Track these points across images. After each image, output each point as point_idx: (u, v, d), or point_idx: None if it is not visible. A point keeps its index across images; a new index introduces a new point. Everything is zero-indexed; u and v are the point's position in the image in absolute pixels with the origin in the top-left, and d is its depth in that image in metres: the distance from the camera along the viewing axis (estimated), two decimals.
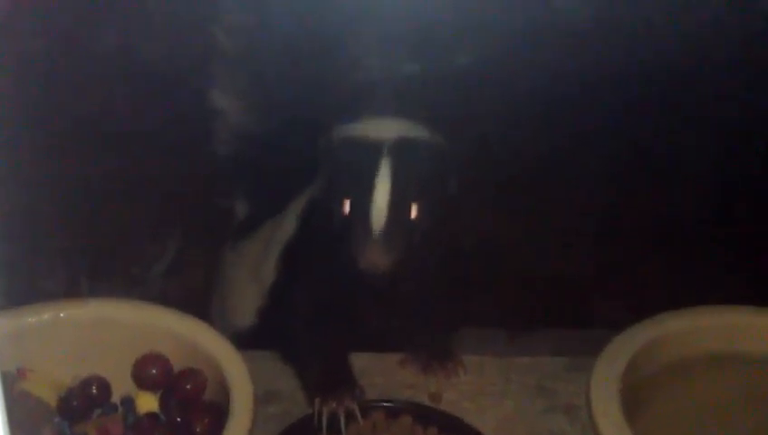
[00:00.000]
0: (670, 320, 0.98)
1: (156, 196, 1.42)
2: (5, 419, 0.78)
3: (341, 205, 0.92)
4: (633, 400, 0.90)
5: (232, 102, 1.27)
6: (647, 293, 1.22)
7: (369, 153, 0.92)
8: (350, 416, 0.93)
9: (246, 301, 1.15)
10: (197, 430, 0.90)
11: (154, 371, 0.97)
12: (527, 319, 1.33)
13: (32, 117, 1.17)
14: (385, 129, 0.95)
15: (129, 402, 0.98)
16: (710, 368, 0.99)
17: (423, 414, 0.94)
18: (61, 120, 1.28)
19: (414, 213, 0.91)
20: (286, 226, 1.12)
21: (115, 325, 0.99)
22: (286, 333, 1.07)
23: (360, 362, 1.07)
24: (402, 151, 0.92)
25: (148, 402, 0.97)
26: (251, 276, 1.16)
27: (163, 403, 0.96)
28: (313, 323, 1.03)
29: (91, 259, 1.38)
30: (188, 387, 0.95)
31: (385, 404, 0.94)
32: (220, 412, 0.90)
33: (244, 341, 1.06)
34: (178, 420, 0.93)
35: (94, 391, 0.98)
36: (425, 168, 0.93)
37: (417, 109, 1.06)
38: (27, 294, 1.03)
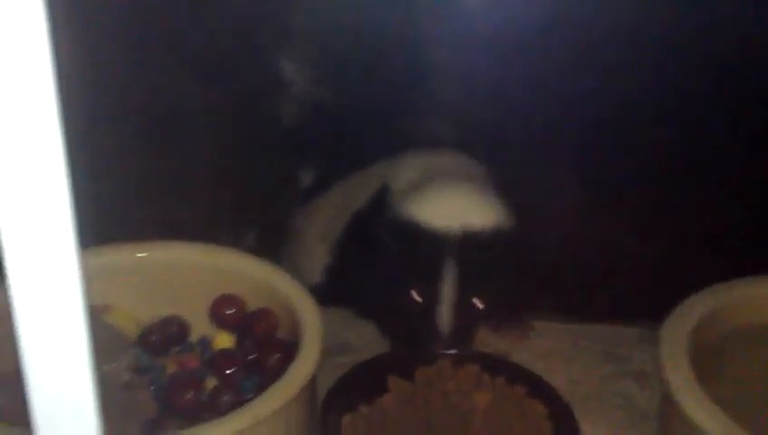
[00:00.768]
0: (741, 286, 0.96)
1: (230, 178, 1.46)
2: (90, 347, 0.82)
3: (408, 292, 0.96)
4: (702, 363, 0.89)
5: (303, 73, 1.31)
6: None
7: (435, 246, 0.94)
8: (418, 360, 0.93)
9: (315, 259, 1.17)
10: (268, 364, 0.92)
11: (230, 311, 1.00)
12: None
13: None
14: (451, 213, 0.96)
15: (205, 342, 1.01)
16: None
17: (491, 364, 0.94)
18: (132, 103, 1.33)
19: (480, 304, 0.96)
20: (357, 197, 1.14)
21: (195, 267, 1.02)
22: (362, 289, 1.09)
23: None
24: (468, 246, 0.94)
25: (224, 341, 1.00)
26: (320, 236, 1.19)
27: (238, 342, 0.99)
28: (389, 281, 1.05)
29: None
30: (262, 326, 0.97)
31: (453, 352, 0.95)
32: (291, 350, 0.92)
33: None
34: (252, 356, 0.95)
35: (174, 329, 1.01)
36: (490, 262, 0.96)
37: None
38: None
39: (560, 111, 1.30)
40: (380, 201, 1.07)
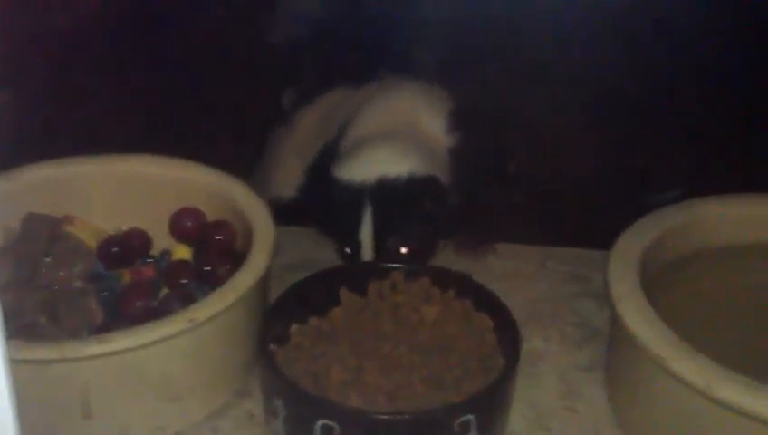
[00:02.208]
0: (693, 207, 0.95)
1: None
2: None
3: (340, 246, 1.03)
4: (655, 280, 0.88)
5: None
6: None
7: (353, 198, 1.01)
8: (372, 274, 0.94)
9: (289, 173, 1.18)
10: (219, 272, 0.93)
11: (189, 223, 1.01)
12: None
13: None
14: (371, 165, 1.02)
15: (165, 254, 1.02)
16: (736, 257, 0.96)
17: (442, 278, 0.94)
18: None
19: (404, 250, 1.01)
20: (329, 125, 1.15)
21: (154, 180, 1.03)
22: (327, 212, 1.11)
23: None
24: (383, 194, 1.00)
25: (183, 253, 1.01)
26: (294, 151, 1.19)
27: (196, 253, 1.00)
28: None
29: None
30: (219, 238, 0.98)
31: (406, 266, 0.95)
32: (241, 258, 0.92)
33: (286, 216, 1.09)
34: (207, 268, 0.96)
35: (135, 242, 1.02)
36: (406, 209, 1.01)
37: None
38: None
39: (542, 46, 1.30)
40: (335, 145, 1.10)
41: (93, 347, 0.77)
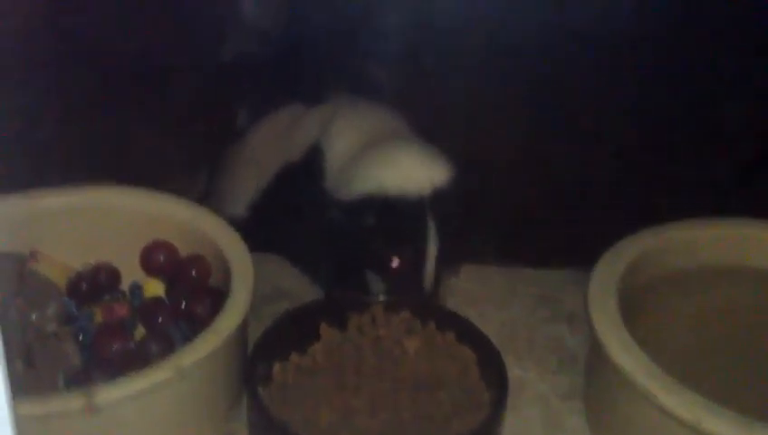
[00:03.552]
0: (669, 230, 0.97)
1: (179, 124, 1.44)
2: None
3: (388, 259, 0.97)
4: (631, 306, 0.90)
5: (257, 11, 1.29)
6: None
7: (413, 212, 0.96)
8: (351, 307, 0.93)
9: (241, 191, 1.16)
10: (198, 311, 0.91)
11: (161, 257, 0.99)
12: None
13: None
14: (418, 176, 0.97)
15: (136, 289, 1.00)
16: (709, 280, 0.98)
17: (423, 310, 0.94)
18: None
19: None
20: (293, 148, 1.13)
21: (124, 213, 1.01)
22: (290, 237, 1.09)
23: None
24: (440, 206, 0.96)
25: (155, 289, 0.99)
26: (246, 167, 1.18)
27: (169, 290, 0.98)
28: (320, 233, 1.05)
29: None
30: (193, 273, 0.96)
31: (386, 299, 0.95)
32: (221, 298, 0.91)
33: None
34: (183, 304, 0.94)
35: (103, 276, 1.00)
36: (458, 214, 0.98)
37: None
38: None
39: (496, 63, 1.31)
40: (313, 165, 1.07)
41: (78, 401, 0.75)
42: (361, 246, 1.00)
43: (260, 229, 1.12)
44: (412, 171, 0.98)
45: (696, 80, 1.32)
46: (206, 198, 1.29)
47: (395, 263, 0.97)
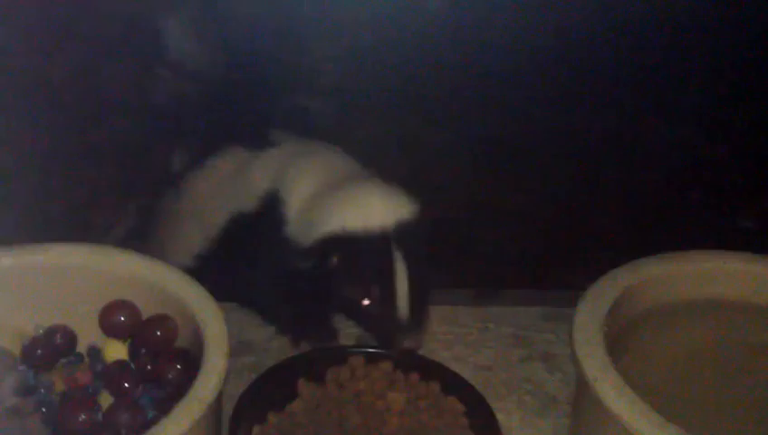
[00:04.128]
0: (648, 266, 0.96)
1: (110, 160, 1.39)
2: None
3: (358, 298, 0.96)
4: (614, 344, 0.88)
5: (188, 51, 1.25)
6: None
7: (377, 248, 0.95)
8: (329, 360, 0.90)
9: (186, 241, 1.13)
10: (169, 377, 0.86)
11: (122, 317, 0.93)
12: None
13: None
14: (380, 212, 0.96)
15: (95, 352, 0.94)
16: (688, 313, 0.97)
17: (404, 360, 0.91)
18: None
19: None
20: (243, 196, 1.09)
21: (78, 271, 0.95)
22: (250, 286, 1.06)
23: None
24: (405, 236, 0.95)
25: (116, 351, 0.93)
26: (193, 218, 1.14)
27: (132, 351, 0.92)
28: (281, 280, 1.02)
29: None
30: (158, 334, 0.91)
31: (365, 350, 0.91)
32: (191, 359, 0.86)
33: None
34: (149, 367, 0.89)
35: (59, 340, 0.93)
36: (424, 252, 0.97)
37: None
38: None
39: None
40: (271, 213, 1.04)
41: None
42: (328, 291, 0.97)
43: (212, 279, 1.07)
44: (374, 208, 0.96)
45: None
46: (148, 244, 1.23)
47: (365, 302, 0.95)
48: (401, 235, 0.95)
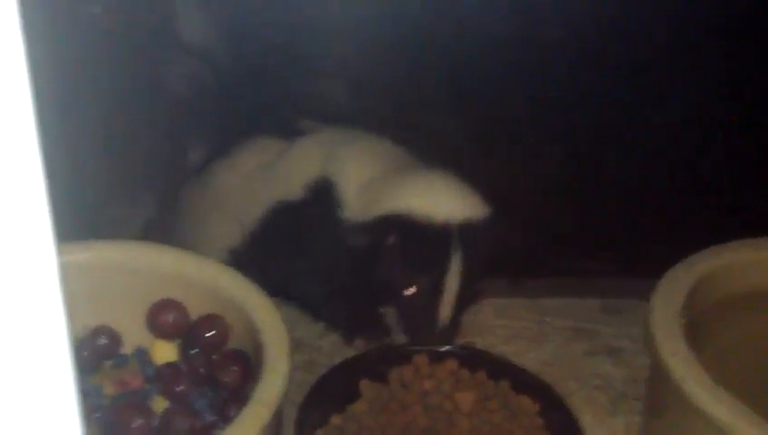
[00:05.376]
0: (728, 252, 0.91)
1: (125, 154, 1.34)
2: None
3: (404, 286, 0.92)
4: (693, 334, 0.84)
5: (203, 35, 1.20)
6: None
7: (437, 238, 0.90)
8: (391, 359, 0.85)
9: (216, 234, 1.08)
10: (225, 380, 0.81)
11: (171, 317, 0.88)
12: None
13: None
14: (448, 205, 0.92)
15: (142, 353, 0.89)
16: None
17: (469, 358, 0.86)
18: None
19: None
20: (287, 185, 1.04)
21: (123, 270, 0.90)
22: (296, 280, 1.02)
23: None
24: (468, 236, 0.91)
25: (165, 352, 0.88)
26: (221, 210, 1.10)
27: (182, 353, 0.88)
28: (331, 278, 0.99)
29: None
30: (211, 334, 0.86)
31: (428, 348, 0.87)
32: (247, 360, 0.82)
33: None
34: (201, 370, 0.84)
35: (103, 341, 0.89)
36: (485, 251, 0.92)
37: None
38: None
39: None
40: (323, 199, 0.99)
41: None
42: (377, 271, 0.93)
43: (251, 275, 1.03)
44: (444, 199, 0.92)
45: None
46: (153, 230, 1.19)
47: (410, 290, 0.91)
48: (465, 234, 0.90)
